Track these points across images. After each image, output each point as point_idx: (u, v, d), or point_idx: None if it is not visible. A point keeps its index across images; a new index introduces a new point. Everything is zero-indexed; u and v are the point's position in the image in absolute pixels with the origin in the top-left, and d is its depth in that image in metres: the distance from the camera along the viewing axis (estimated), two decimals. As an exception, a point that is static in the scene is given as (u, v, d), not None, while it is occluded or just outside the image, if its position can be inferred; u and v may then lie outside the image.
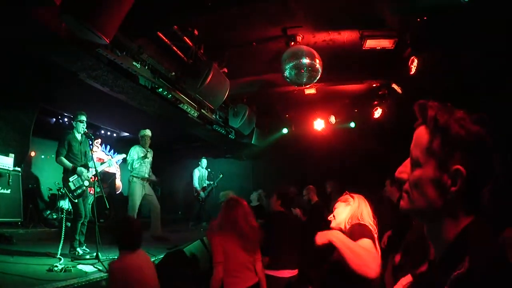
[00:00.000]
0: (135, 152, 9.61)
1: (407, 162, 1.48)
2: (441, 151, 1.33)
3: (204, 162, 14.61)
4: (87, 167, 7.66)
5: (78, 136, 7.68)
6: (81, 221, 7.43)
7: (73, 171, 7.39)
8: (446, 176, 1.31)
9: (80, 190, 7.40)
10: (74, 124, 7.69)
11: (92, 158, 7.75)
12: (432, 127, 1.38)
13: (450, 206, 1.32)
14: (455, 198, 1.31)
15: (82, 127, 7.63)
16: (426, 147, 1.38)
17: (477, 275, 1.15)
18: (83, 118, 7.66)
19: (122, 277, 4.07)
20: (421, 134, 1.43)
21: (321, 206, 8.60)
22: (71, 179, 7.36)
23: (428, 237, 1.44)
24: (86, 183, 7.49)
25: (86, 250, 7.35)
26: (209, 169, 14.73)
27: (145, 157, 9.59)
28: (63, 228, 7.12)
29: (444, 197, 1.33)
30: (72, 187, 7.34)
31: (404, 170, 1.47)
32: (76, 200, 7.45)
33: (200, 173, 14.30)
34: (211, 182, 14.31)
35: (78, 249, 7.25)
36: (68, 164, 7.38)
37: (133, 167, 9.51)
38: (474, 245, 1.25)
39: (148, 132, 9.81)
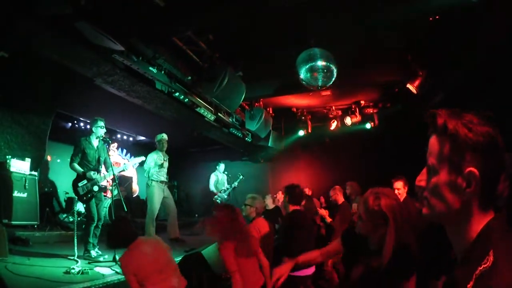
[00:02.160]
0: (152, 159, 9.63)
1: (425, 170, 1.51)
2: (453, 155, 1.37)
3: (221, 166, 14.51)
4: (97, 171, 7.71)
5: (95, 143, 7.75)
6: (94, 224, 7.49)
7: (83, 176, 7.48)
8: (461, 179, 1.34)
9: (90, 194, 7.46)
10: (93, 129, 7.74)
11: (110, 164, 7.86)
12: (442, 134, 1.41)
13: (468, 206, 1.35)
14: (472, 199, 1.33)
15: (101, 132, 7.73)
16: (439, 154, 1.42)
17: (503, 269, 1.16)
18: (102, 123, 7.74)
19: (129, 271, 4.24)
20: (433, 142, 1.46)
21: (348, 207, 8.46)
22: (80, 184, 7.45)
23: (450, 238, 1.46)
24: (96, 188, 7.52)
25: (98, 252, 7.41)
26: (225, 172, 14.66)
27: (161, 166, 9.62)
28: (75, 231, 7.19)
29: (461, 199, 1.35)
30: (81, 192, 7.43)
31: (422, 178, 1.51)
32: (85, 205, 7.59)
33: (216, 178, 14.20)
34: (230, 186, 14.21)
35: (91, 251, 7.32)
36: (79, 169, 7.49)
37: (150, 173, 9.55)
38: (498, 240, 1.26)
39: (165, 136, 9.81)
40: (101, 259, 7.16)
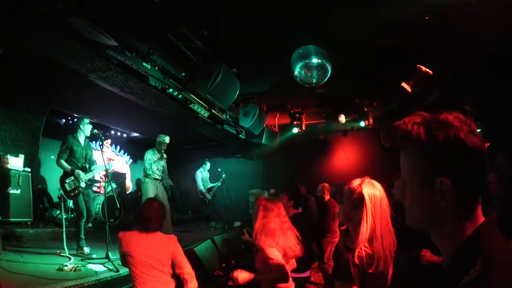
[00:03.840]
0: (151, 156, 9.66)
1: (400, 181, 1.46)
2: (420, 166, 1.31)
3: (208, 164, 14.45)
4: (85, 169, 7.75)
5: (81, 141, 7.81)
6: (84, 220, 7.56)
7: (71, 173, 7.54)
8: (433, 190, 1.26)
9: (77, 190, 7.52)
10: (81, 127, 7.78)
11: (94, 162, 7.99)
12: (406, 146, 1.36)
13: (448, 214, 1.28)
14: (450, 207, 1.26)
15: (88, 130, 7.80)
16: (407, 167, 1.38)
17: (491, 278, 1.09)
18: (87, 120, 7.83)
19: (124, 245, 4.16)
20: (401, 156, 1.41)
21: (334, 205, 8.49)
22: (67, 180, 7.50)
23: (436, 244, 1.38)
24: (83, 184, 7.60)
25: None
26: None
27: (158, 160, 9.59)
28: (64, 228, 7.24)
29: (438, 209, 1.27)
30: (68, 188, 7.46)
31: (399, 190, 1.53)
32: (72, 201, 7.67)
33: (202, 175, 14.15)
34: (215, 184, 14.14)
35: (84, 248, 7.33)
36: (67, 166, 7.55)
37: (147, 169, 9.53)
38: (486, 249, 1.18)
39: (166, 140, 9.80)
40: (94, 255, 7.15)
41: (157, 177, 9.63)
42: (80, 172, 7.58)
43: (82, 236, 7.42)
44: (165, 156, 9.86)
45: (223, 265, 8.11)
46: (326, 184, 8.94)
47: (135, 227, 4.37)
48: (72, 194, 7.47)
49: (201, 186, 13.89)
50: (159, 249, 4.27)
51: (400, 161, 1.42)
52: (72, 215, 9.84)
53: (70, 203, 10.04)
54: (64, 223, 7.31)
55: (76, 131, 7.81)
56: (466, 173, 1.25)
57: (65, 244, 7.02)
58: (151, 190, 9.45)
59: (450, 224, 1.29)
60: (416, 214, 1.38)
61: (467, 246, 1.24)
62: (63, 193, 7.58)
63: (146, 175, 9.54)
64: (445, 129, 1.25)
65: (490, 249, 1.18)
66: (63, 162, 7.55)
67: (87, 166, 7.87)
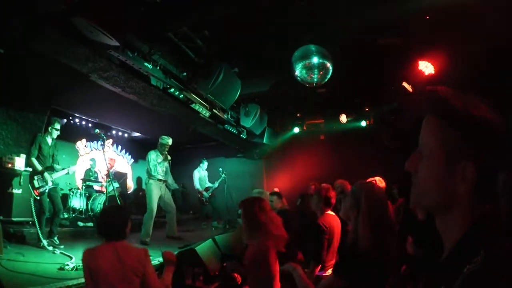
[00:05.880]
0: (154, 157, 9.67)
1: (416, 154, 1.33)
2: (451, 142, 1.20)
3: (205, 164, 14.42)
4: (52, 169, 8.19)
5: (49, 141, 8.33)
6: (45, 216, 7.91)
7: (40, 173, 7.95)
8: (455, 171, 1.19)
9: (43, 188, 7.87)
10: (49, 129, 8.30)
11: (58, 163, 8.46)
12: (441, 116, 1.24)
13: (460, 200, 1.20)
14: (465, 193, 1.18)
15: (56, 134, 8.33)
16: (434, 138, 1.26)
17: (495, 270, 1.03)
18: (58, 126, 8.34)
19: (86, 263, 3.62)
20: (429, 123, 1.29)
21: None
22: (36, 177, 7.88)
23: (439, 228, 1.30)
24: (50, 183, 8.00)
25: (56, 242, 7.79)
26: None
27: (162, 162, 9.60)
28: (36, 219, 7.56)
29: (453, 192, 1.20)
30: (36, 185, 7.81)
31: (412, 163, 1.34)
32: (39, 197, 7.86)
33: (200, 175, 14.11)
34: (214, 184, 14.07)
35: (44, 240, 7.51)
36: (38, 167, 7.97)
37: (151, 170, 9.53)
38: (490, 237, 1.13)
39: (170, 142, 9.84)
40: (50, 248, 7.42)
41: (161, 178, 9.63)
42: (48, 174, 7.99)
43: (43, 230, 7.74)
44: (169, 157, 9.87)
45: (224, 264, 8.10)
46: (325, 184, 8.86)
47: (100, 238, 3.89)
48: (38, 191, 7.81)
49: (197, 185, 13.89)
50: (124, 263, 3.72)
51: (423, 130, 1.32)
52: (74, 215, 9.92)
53: (71, 203, 10.13)
54: (36, 220, 7.59)
55: (45, 131, 8.45)
56: (495, 163, 1.18)
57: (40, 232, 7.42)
58: (155, 191, 9.46)
59: (460, 212, 1.22)
60: (429, 192, 1.27)
61: (470, 235, 1.18)
62: (31, 188, 7.85)
63: (150, 176, 9.54)
64: (487, 113, 1.18)
65: (494, 240, 1.12)
66: (35, 161, 8.01)
67: (54, 165, 8.31)
